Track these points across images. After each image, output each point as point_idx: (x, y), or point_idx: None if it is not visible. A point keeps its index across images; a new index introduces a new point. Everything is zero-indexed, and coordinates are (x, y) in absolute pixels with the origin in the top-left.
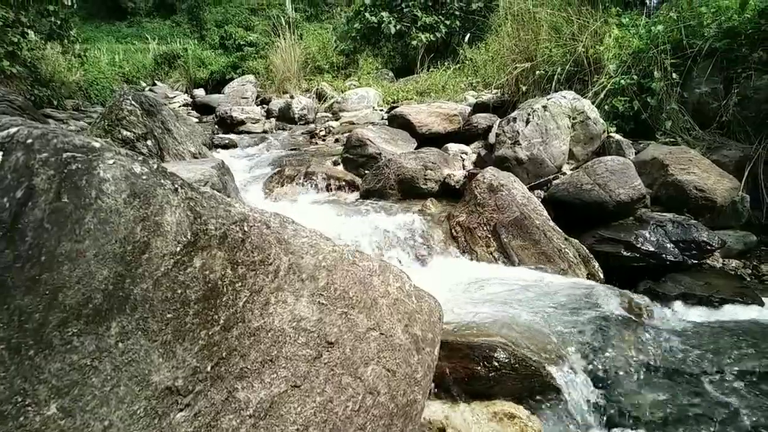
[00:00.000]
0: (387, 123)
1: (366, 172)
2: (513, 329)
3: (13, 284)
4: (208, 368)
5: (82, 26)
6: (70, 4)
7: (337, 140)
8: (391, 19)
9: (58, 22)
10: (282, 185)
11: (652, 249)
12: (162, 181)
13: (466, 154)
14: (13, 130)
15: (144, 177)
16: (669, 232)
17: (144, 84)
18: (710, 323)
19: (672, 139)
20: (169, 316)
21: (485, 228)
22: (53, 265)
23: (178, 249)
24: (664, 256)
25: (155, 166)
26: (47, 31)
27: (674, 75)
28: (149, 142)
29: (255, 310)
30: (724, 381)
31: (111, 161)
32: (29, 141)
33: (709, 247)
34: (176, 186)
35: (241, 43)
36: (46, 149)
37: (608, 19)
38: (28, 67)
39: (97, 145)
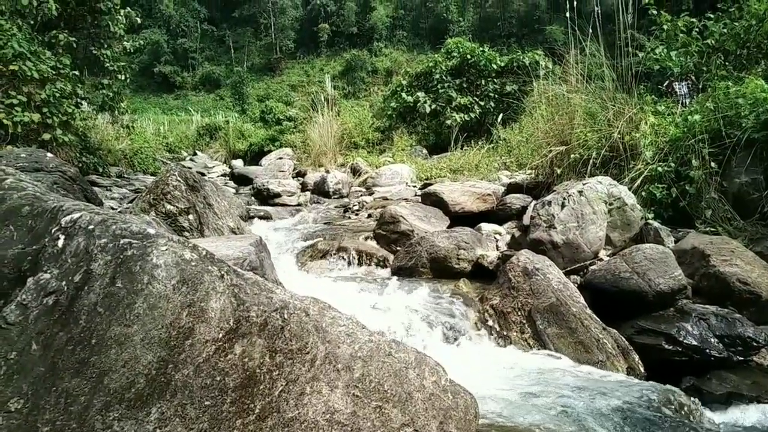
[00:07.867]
0: (420, 200)
1: (398, 248)
2: (549, 425)
3: (63, 366)
4: None
5: (131, 98)
6: (123, 78)
7: (370, 215)
8: (426, 98)
9: (111, 95)
10: (314, 259)
11: (695, 343)
12: (210, 267)
13: (499, 234)
14: (76, 215)
15: (193, 263)
16: (713, 326)
17: (185, 153)
18: (760, 426)
19: (712, 229)
20: (207, 403)
21: (519, 313)
22: (102, 348)
23: (221, 335)
24: (708, 351)
25: (204, 252)
26: (100, 102)
27: (713, 164)
28: (191, 217)
29: (290, 400)
30: None
31: (164, 248)
32: (90, 227)
33: (755, 344)
34: (222, 272)
35: (281, 117)
36: (106, 235)
37: (644, 106)
38: (79, 136)
39: (152, 231)
